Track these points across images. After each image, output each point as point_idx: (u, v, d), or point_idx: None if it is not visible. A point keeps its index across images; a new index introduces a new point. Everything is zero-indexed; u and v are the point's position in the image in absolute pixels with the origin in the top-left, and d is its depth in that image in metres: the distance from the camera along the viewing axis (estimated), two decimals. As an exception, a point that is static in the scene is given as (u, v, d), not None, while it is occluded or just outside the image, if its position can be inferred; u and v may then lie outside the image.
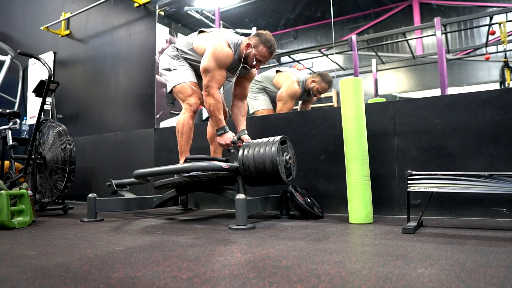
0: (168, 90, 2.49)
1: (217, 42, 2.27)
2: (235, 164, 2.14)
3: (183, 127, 2.35)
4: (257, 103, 3.27)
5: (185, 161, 2.23)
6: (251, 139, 2.33)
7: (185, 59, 2.49)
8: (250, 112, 3.26)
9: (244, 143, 2.20)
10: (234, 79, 2.52)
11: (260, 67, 2.49)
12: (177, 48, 2.50)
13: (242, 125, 2.52)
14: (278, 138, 2.09)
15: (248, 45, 2.31)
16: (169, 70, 2.48)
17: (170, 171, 2.22)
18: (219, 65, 2.26)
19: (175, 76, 2.44)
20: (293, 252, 1.24)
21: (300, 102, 3.45)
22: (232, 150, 2.36)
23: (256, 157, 2.05)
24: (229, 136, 2.31)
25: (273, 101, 3.30)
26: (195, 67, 2.48)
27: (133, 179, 2.89)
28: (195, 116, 2.42)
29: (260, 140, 2.14)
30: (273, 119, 2.85)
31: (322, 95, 3.27)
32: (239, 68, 2.39)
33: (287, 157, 2.12)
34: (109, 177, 3.09)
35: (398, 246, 1.32)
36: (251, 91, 3.23)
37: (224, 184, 2.35)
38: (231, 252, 1.26)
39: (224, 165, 2.09)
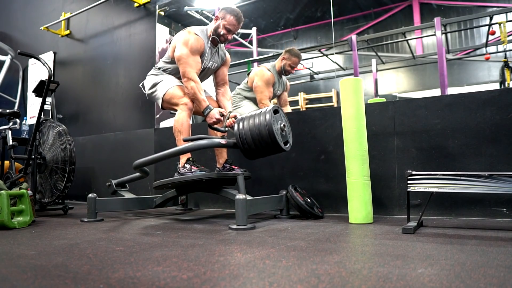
0: (160, 104, 2.48)
1: (184, 34, 2.38)
2: (233, 140, 2.14)
3: (181, 126, 2.34)
4: (243, 110, 3.25)
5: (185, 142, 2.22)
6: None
7: (168, 73, 2.54)
8: None
9: (237, 118, 2.18)
10: (212, 73, 2.61)
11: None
12: (158, 68, 2.57)
13: (229, 107, 2.55)
14: (270, 107, 2.09)
15: (216, 18, 2.42)
16: (155, 85, 2.51)
17: (170, 154, 2.19)
18: (191, 51, 2.33)
19: (161, 86, 2.47)
20: (293, 252, 1.24)
21: (275, 99, 3.42)
22: (226, 128, 2.36)
23: (252, 127, 2.04)
24: (215, 112, 2.31)
25: (257, 105, 3.28)
26: (178, 77, 2.50)
27: (132, 176, 2.89)
28: (191, 115, 2.42)
29: (252, 112, 2.13)
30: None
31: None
32: (214, 52, 2.48)
33: (282, 125, 2.12)
34: (109, 177, 3.09)
35: (398, 246, 1.32)
36: (234, 103, 3.22)
37: (224, 185, 2.35)
38: (231, 252, 1.26)
39: (222, 141, 2.12)
